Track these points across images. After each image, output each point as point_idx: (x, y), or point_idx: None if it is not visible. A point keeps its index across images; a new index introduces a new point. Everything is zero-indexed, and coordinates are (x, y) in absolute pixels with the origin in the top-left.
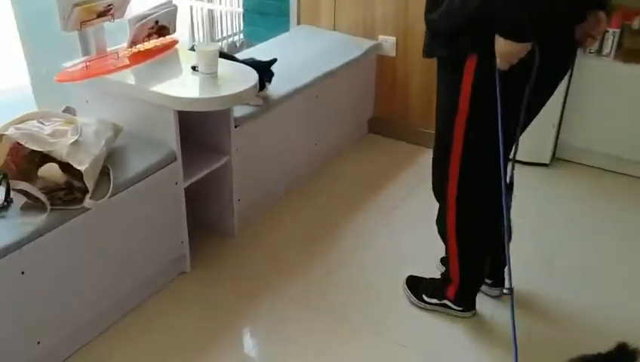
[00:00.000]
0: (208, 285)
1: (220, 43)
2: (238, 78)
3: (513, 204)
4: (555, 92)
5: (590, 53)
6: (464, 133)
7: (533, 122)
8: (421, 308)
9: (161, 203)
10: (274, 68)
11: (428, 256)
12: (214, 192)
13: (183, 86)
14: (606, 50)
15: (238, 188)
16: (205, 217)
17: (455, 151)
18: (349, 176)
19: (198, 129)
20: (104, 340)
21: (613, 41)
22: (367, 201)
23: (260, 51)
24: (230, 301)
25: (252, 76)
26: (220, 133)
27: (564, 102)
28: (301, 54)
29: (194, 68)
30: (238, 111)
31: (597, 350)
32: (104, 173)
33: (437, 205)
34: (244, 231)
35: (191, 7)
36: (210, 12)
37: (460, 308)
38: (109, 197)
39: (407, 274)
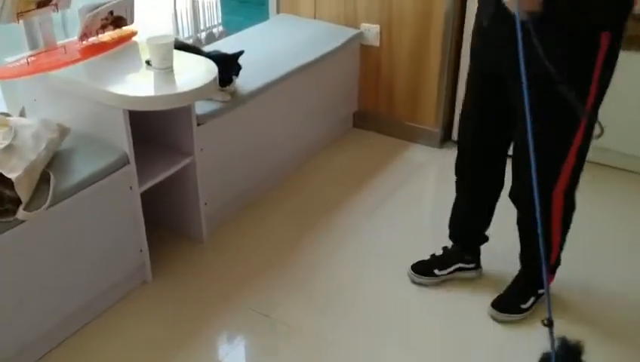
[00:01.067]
0: (170, 294)
1: (200, 34)
2: (195, 73)
3: None
4: None
5: None
6: (586, 132)
7: None
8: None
9: (114, 210)
10: (244, 60)
11: (410, 259)
12: (179, 195)
13: (134, 83)
14: None
15: (206, 190)
16: (171, 222)
17: (576, 142)
18: (330, 173)
19: (159, 128)
20: (56, 355)
21: None
22: (347, 201)
23: (236, 41)
24: (193, 311)
25: (211, 70)
26: (182, 132)
27: None
28: (278, 45)
29: (148, 62)
30: (202, 108)
31: None
32: (44, 180)
33: (420, 206)
34: (213, 235)
35: None
36: (194, 1)
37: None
38: (48, 206)
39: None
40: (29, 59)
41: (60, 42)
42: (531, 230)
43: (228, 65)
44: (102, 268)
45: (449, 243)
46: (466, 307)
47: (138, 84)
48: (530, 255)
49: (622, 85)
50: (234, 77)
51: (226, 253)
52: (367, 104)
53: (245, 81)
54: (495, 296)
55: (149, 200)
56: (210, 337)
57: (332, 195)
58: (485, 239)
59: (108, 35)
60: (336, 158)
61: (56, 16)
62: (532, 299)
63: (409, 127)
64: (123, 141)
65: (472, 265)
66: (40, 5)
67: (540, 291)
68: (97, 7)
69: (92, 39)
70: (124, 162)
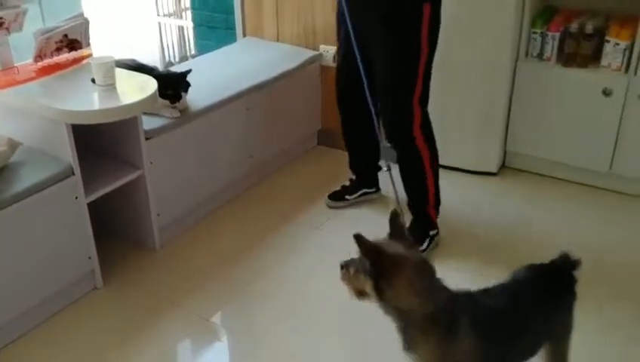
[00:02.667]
0: (119, 300)
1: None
2: (135, 89)
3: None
4: (499, 98)
5: (532, 57)
6: (424, 74)
7: (478, 130)
8: None
9: (60, 218)
10: (201, 80)
11: None
12: (132, 206)
13: (78, 99)
14: (547, 54)
15: (157, 202)
16: (126, 231)
17: (417, 94)
18: (287, 189)
19: (109, 142)
20: None
21: (553, 44)
22: (302, 214)
23: (198, 63)
24: (139, 316)
25: (150, 87)
26: (130, 146)
27: (509, 108)
28: (238, 66)
29: (93, 80)
30: (151, 123)
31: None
32: None
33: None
34: (168, 246)
35: (159, 24)
36: (180, 29)
37: (436, 231)
38: None
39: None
40: None
41: (17, 63)
42: (407, 169)
43: (175, 83)
44: (48, 274)
45: None
46: None
47: (81, 100)
48: (414, 201)
49: (563, 99)
50: (183, 93)
51: (178, 262)
52: (331, 122)
53: (200, 98)
54: None
55: (104, 210)
56: (152, 340)
57: (287, 209)
58: (379, 168)
59: (63, 57)
60: (297, 174)
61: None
62: (427, 241)
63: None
64: (68, 153)
65: (373, 189)
66: None
67: (432, 232)
68: (51, 30)
69: (47, 61)
70: (68, 173)
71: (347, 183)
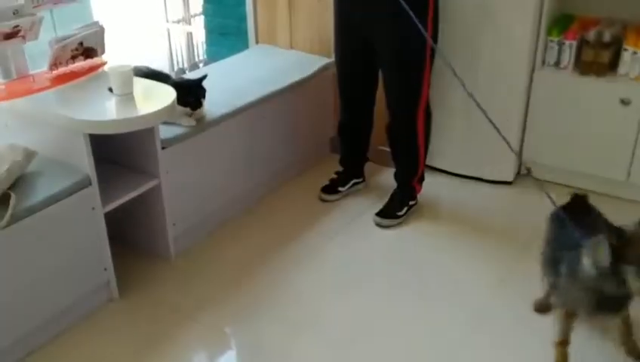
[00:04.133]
0: (136, 312)
1: (183, 67)
2: (154, 99)
3: None
4: (515, 107)
5: (548, 65)
6: (431, 58)
7: (494, 137)
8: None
9: (77, 229)
10: (216, 88)
11: (371, 281)
12: (147, 216)
13: (95, 108)
14: (564, 63)
15: (173, 211)
16: (141, 241)
17: (425, 76)
18: (304, 197)
19: (126, 152)
20: None
21: (570, 53)
22: (318, 223)
23: (212, 70)
24: (157, 329)
25: (169, 95)
26: (147, 155)
27: (525, 116)
28: (252, 73)
29: (110, 90)
30: (167, 132)
31: None
32: (5, 200)
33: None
34: (183, 256)
35: (168, 31)
36: (189, 35)
37: (415, 201)
38: (5, 226)
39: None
40: (0, 87)
41: (32, 72)
42: (403, 144)
43: (192, 90)
44: (64, 286)
45: (416, 262)
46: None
47: (98, 110)
48: (403, 173)
49: (580, 108)
50: (202, 100)
51: (193, 273)
52: None
53: (214, 107)
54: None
55: (119, 220)
56: (166, 352)
57: (303, 218)
58: (367, 159)
59: (78, 65)
60: (311, 182)
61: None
62: (405, 208)
63: (382, 151)
64: (85, 164)
65: (361, 179)
66: (7, 37)
67: (411, 202)
68: (67, 39)
69: (62, 69)
70: (85, 184)
71: (335, 176)
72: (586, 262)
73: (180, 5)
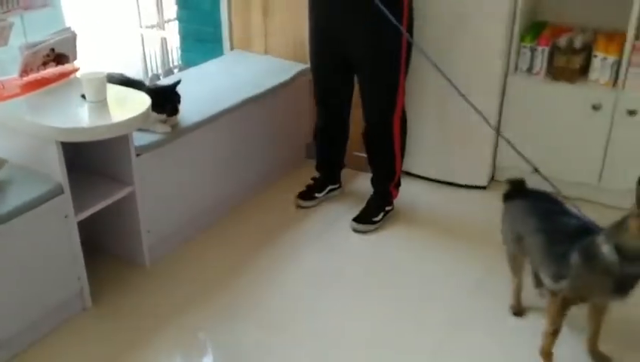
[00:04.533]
0: (110, 321)
1: (157, 72)
2: (128, 106)
3: None
4: (489, 112)
5: (521, 71)
6: (406, 64)
7: (469, 143)
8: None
9: (49, 238)
10: (191, 95)
11: (350, 285)
12: (122, 223)
13: (68, 115)
14: (536, 69)
15: (148, 219)
16: (115, 249)
17: (401, 83)
18: (280, 202)
19: (100, 159)
20: None
21: (542, 59)
22: (293, 228)
23: (187, 76)
24: (132, 337)
25: (142, 102)
26: (121, 163)
27: (499, 121)
28: (227, 79)
29: (83, 96)
30: (142, 139)
31: None
32: None
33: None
34: (158, 263)
35: (142, 37)
36: (164, 40)
37: (392, 207)
38: None
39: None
40: None
41: (1, 78)
42: (380, 150)
43: (168, 96)
44: (37, 295)
45: (393, 266)
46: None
47: (71, 117)
48: (380, 178)
49: (553, 113)
50: (178, 105)
51: (168, 280)
52: None
53: (189, 113)
54: None
55: (93, 228)
56: (147, 360)
57: (280, 224)
58: (343, 165)
59: (50, 72)
60: (287, 188)
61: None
62: (382, 214)
63: (359, 157)
64: (57, 171)
65: (337, 185)
66: None
67: (387, 208)
68: (38, 45)
69: (33, 75)
70: (58, 192)
71: (311, 182)
72: (606, 250)
73: (154, 10)
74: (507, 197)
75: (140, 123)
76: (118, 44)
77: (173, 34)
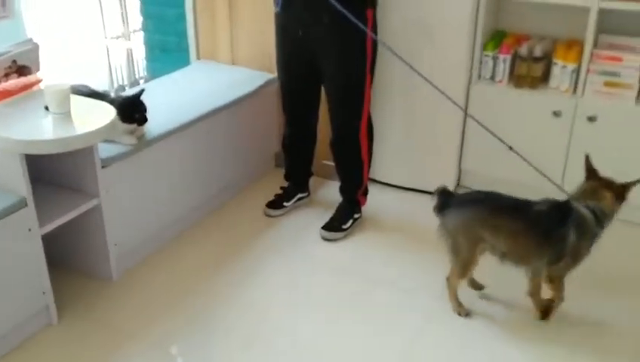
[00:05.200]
0: (77, 336)
1: (123, 83)
2: (93, 117)
3: None
4: (453, 119)
5: (484, 79)
6: (371, 74)
7: (434, 149)
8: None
9: (13, 252)
10: (157, 105)
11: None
12: (88, 236)
13: (31, 127)
14: (499, 77)
15: (114, 231)
16: (81, 263)
17: (367, 92)
18: (248, 212)
19: (64, 171)
20: None
21: (505, 67)
22: (261, 238)
23: (153, 87)
24: (98, 352)
25: (107, 114)
26: (86, 175)
27: (464, 128)
28: (194, 90)
29: (46, 108)
30: (107, 151)
31: None
32: None
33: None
34: (125, 276)
35: (107, 47)
36: (129, 51)
37: (360, 214)
38: None
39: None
40: None
41: None
42: (348, 159)
43: (136, 106)
44: (1, 310)
45: (354, 277)
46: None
47: (34, 129)
48: (348, 187)
49: (515, 119)
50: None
51: (136, 293)
52: None
53: (156, 124)
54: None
55: (58, 241)
56: None
57: (249, 234)
58: (311, 174)
59: (12, 83)
60: (256, 197)
61: None
62: (350, 221)
63: (327, 165)
64: (20, 184)
65: (306, 193)
66: None
67: (356, 215)
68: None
69: None
70: (21, 205)
71: (280, 192)
72: (590, 219)
73: (119, 21)
74: (442, 207)
75: (105, 134)
76: (83, 55)
77: (138, 44)
